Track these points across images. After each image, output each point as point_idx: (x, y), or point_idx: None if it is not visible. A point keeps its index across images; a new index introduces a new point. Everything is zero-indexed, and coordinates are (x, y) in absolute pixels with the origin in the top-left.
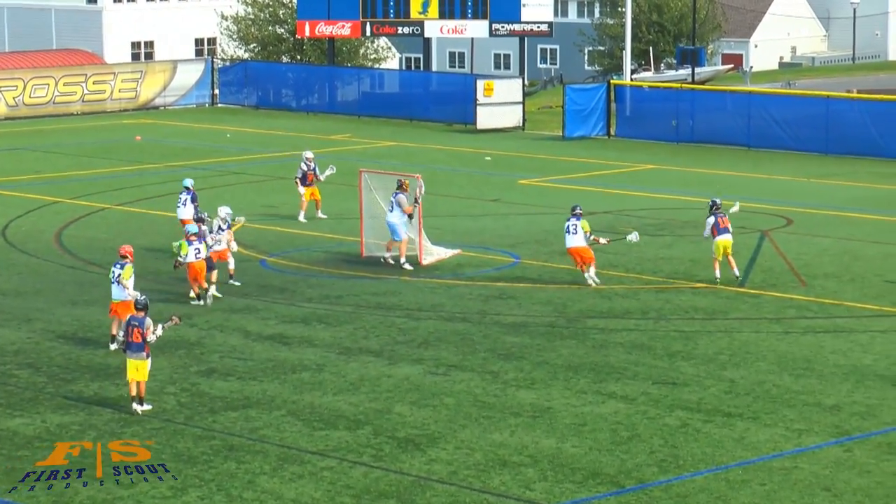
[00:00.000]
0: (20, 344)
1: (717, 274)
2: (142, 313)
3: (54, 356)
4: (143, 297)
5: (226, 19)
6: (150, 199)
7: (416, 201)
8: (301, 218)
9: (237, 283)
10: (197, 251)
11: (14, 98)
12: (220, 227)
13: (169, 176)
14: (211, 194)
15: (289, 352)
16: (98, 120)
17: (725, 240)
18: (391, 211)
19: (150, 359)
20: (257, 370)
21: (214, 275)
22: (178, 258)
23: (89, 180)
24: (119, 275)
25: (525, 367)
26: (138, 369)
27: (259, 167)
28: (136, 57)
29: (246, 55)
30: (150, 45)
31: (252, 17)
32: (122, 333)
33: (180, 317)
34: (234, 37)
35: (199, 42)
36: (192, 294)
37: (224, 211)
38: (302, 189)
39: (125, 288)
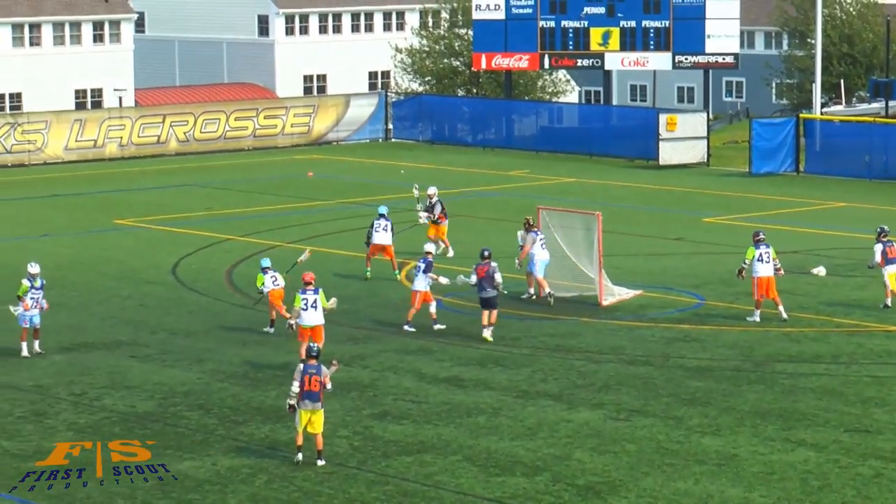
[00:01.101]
0: (190, 385)
1: (888, 301)
2: (315, 360)
3: (225, 398)
4: (317, 344)
5: (400, 52)
6: (321, 237)
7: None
8: (450, 253)
9: (440, 327)
10: (274, 279)
11: (185, 133)
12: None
13: (340, 213)
14: None
15: (464, 395)
16: (269, 155)
17: (892, 272)
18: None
19: (323, 409)
20: (432, 413)
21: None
22: (260, 289)
23: (260, 217)
24: (316, 300)
25: (710, 413)
26: (313, 421)
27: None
28: (308, 91)
29: (420, 88)
30: (322, 78)
31: (427, 49)
32: (296, 384)
33: (339, 360)
34: (409, 70)
35: (372, 75)
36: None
37: (429, 246)
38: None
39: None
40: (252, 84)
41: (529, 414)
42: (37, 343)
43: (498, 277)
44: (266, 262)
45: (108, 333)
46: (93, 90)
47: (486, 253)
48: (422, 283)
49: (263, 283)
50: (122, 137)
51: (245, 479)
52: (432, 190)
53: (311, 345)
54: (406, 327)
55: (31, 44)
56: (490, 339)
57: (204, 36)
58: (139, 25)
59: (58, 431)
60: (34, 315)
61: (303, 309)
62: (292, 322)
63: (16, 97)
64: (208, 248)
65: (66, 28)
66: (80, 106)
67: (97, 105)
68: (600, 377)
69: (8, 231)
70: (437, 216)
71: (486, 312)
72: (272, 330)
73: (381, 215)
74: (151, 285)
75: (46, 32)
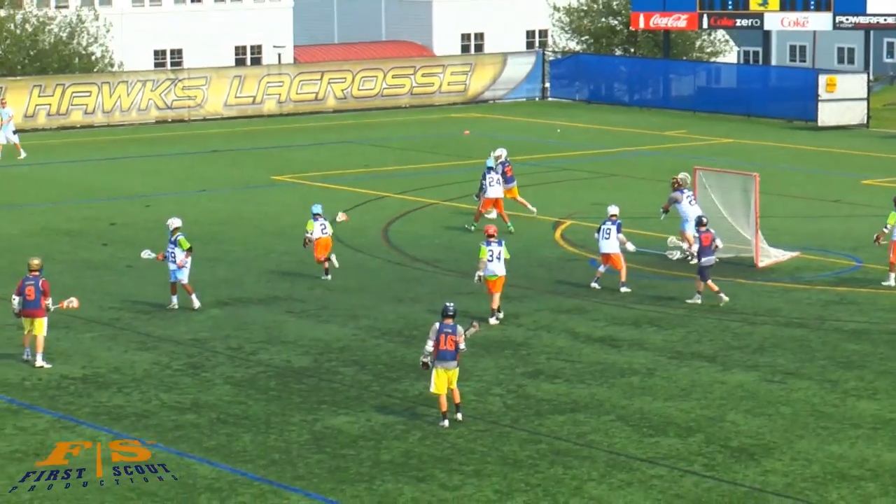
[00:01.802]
0: (346, 341)
1: None
2: (451, 320)
3: (379, 354)
4: (453, 304)
5: (558, 10)
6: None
7: None
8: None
9: (627, 290)
10: (323, 227)
11: (343, 90)
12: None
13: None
14: (541, 190)
15: (618, 355)
16: (426, 113)
17: None
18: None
19: (458, 368)
20: (585, 373)
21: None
22: (307, 235)
23: (416, 175)
24: (500, 252)
25: (866, 377)
26: (451, 380)
27: (589, 164)
28: (465, 49)
29: (578, 48)
30: (479, 36)
31: (585, 8)
32: (430, 343)
33: (479, 322)
34: (566, 29)
35: (530, 34)
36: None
37: (611, 209)
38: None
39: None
40: (410, 42)
41: (683, 375)
42: (193, 297)
43: (718, 243)
44: (317, 209)
45: (265, 288)
46: (252, 47)
47: (704, 220)
48: (614, 245)
49: (313, 230)
50: (280, 94)
51: (399, 435)
52: (500, 151)
53: (447, 305)
54: (594, 284)
55: (193, 0)
56: (720, 304)
57: None
58: None
59: (214, 385)
60: (174, 270)
61: (489, 260)
62: (480, 274)
63: (176, 53)
64: (364, 205)
65: None
66: (239, 62)
67: (256, 62)
68: (755, 339)
69: (168, 186)
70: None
71: (705, 283)
72: (329, 277)
73: (491, 168)
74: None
75: None
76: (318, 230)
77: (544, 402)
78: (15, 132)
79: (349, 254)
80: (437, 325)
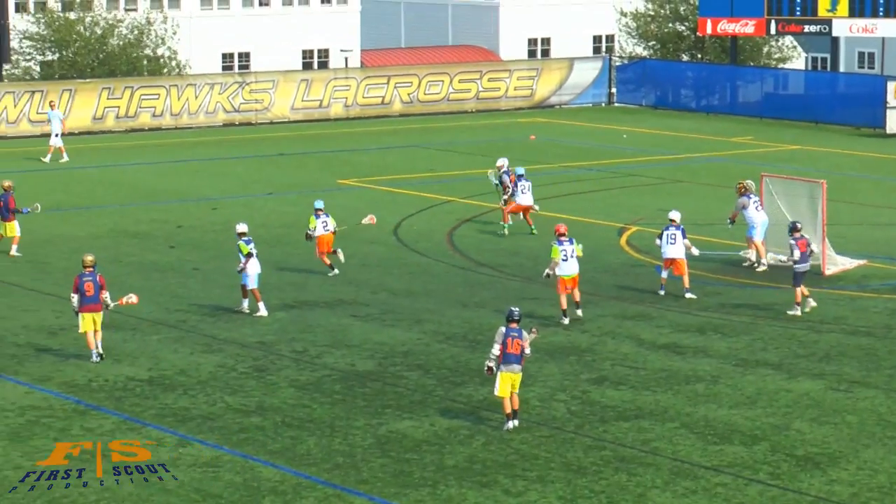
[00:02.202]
0: (410, 345)
1: None
2: (517, 324)
3: (444, 358)
4: (518, 308)
5: (625, 16)
6: (542, 200)
7: None
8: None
9: (691, 296)
10: (325, 223)
11: (409, 94)
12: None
13: (562, 176)
14: (606, 196)
15: (683, 362)
16: (492, 118)
17: None
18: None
19: (522, 373)
20: (650, 380)
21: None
22: (308, 231)
23: (482, 180)
24: (573, 250)
25: None
26: (514, 384)
27: (655, 170)
28: (531, 54)
29: (644, 53)
30: (546, 41)
31: (652, 13)
32: (497, 347)
33: (538, 328)
34: (633, 34)
35: (596, 39)
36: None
37: (673, 215)
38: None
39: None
40: (476, 46)
41: (749, 382)
42: (260, 305)
43: (814, 247)
44: (319, 204)
45: (330, 292)
46: (319, 51)
47: (798, 225)
48: (680, 250)
49: (315, 226)
50: (347, 98)
51: (463, 440)
52: (501, 161)
53: (513, 309)
54: (661, 291)
55: (260, 4)
56: (806, 309)
57: None
58: None
59: (280, 387)
60: (242, 274)
61: (563, 259)
62: (549, 272)
63: (244, 57)
64: (430, 210)
65: None
66: (306, 66)
67: (323, 65)
68: (821, 347)
69: (235, 189)
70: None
71: (800, 288)
72: (336, 272)
73: (521, 176)
74: (373, 245)
75: None
76: (321, 227)
77: (609, 408)
78: (57, 135)
79: (414, 258)
80: (503, 328)
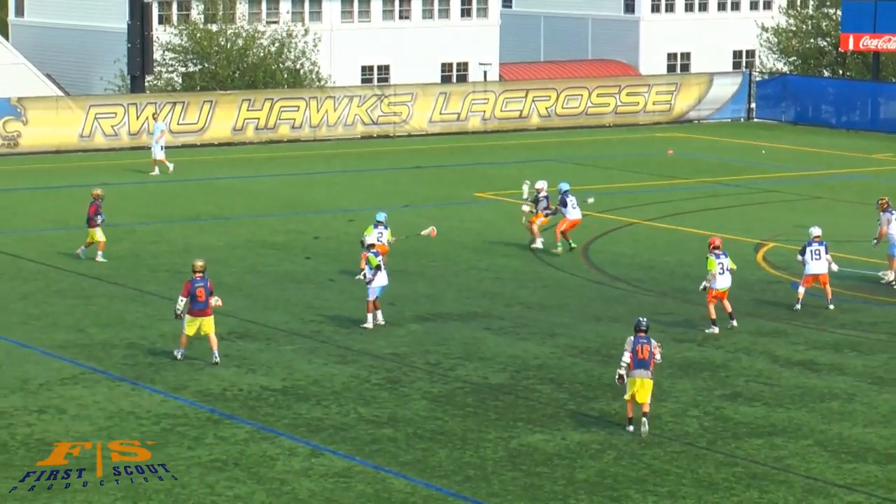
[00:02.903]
0: (543, 359)
1: None
2: (644, 334)
3: (577, 372)
4: (645, 319)
5: (766, 31)
6: (679, 215)
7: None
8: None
9: (831, 307)
10: (380, 234)
11: (547, 108)
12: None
13: (701, 191)
14: (744, 212)
15: (818, 379)
16: (630, 133)
17: None
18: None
19: (653, 379)
20: (784, 397)
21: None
22: (363, 239)
23: (619, 194)
24: (727, 263)
25: None
26: (643, 389)
27: (794, 186)
28: (671, 69)
29: (785, 68)
30: (686, 56)
31: (794, 28)
32: (627, 355)
33: (660, 345)
34: (774, 49)
35: (736, 54)
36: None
37: (815, 231)
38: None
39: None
40: (615, 61)
41: (885, 401)
42: (379, 314)
43: None
44: (381, 217)
45: (464, 305)
46: (458, 64)
47: None
48: (824, 266)
49: (370, 235)
50: (485, 111)
51: (594, 454)
52: (541, 184)
53: (640, 319)
54: (797, 307)
55: (401, 17)
56: None
57: (570, 12)
58: (506, 0)
59: (412, 399)
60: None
61: (719, 273)
62: (706, 284)
63: (384, 69)
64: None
65: (435, 2)
66: (445, 79)
67: (462, 78)
68: None
69: (372, 201)
70: (538, 210)
71: None
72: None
73: (567, 191)
74: (508, 258)
75: (416, 6)
76: (375, 237)
77: (742, 424)
78: (163, 148)
79: (549, 272)
80: (630, 338)
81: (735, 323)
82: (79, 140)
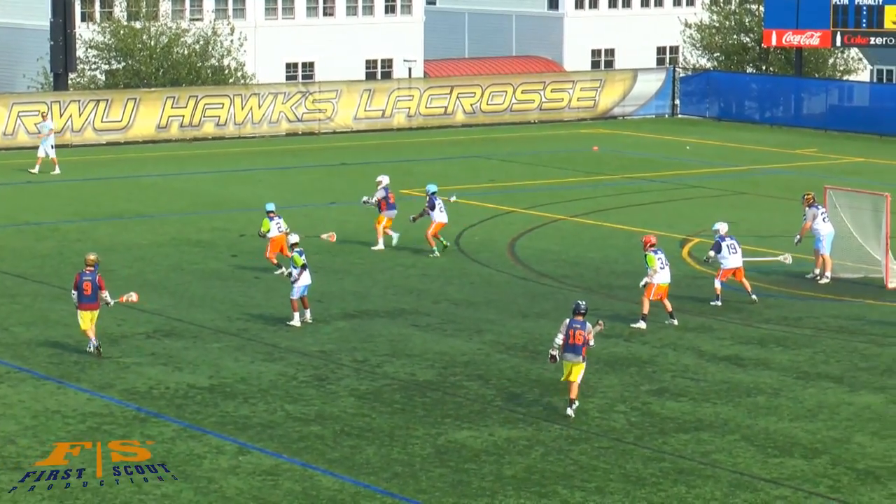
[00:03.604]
0: (471, 355)
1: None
2: (582, 317)
3: (504, 369)
4: (584, 301)
5: (689, 27)
6: (604, 211)
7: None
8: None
9: (754, 297)
10: (279, 225)
11: (472, 105)
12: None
13: (626, 188)
14: (668, 207)
15: (744, 374)
16: (555, 129)
17: None
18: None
19: (585, 362)
20: (710, 392)
21: None
22: (261, 233)
23: (544, 190)
24: (666, 259)
25: None
26: (573, 372)
27: (719, 181)
28: (595, 65)
29: (709, 65)
30: (610, 52)
31: (717, 24)
32: (560, 337)
33: (602, 322)
34: (698, 45)
35: (660, 50)
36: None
37: (723, 227)
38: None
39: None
40: (540, 57)
41: (810, 395)
42: (307, 312)
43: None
44: (271, 207)
45: (391, 301)
46: (383, 61)
47: None
48: (739, 260)
49: (269, 229)
50: (409, 108)
51: (521, 450)
52: (382, 177)
53: (579, 302)
54: (716, 302)
55: (325, 14)
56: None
57: (493, 8)
58: None
59: (340, 396)
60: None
61: (660, 268)
62: (648, 280)
63: (308, 66)
64: (491, 220)
65: None
66: (369, 76)
67: (387, 76)
68: (884, 360)
69: (297, 198)
70: (374, 202)
71: None
72: (284, 272)
73: (435, 193)
74: (434, 255)
75: (340, 3)
76: (275, 229)
77: (669, 420)
78: (53, 146)
79: (475, 268)
80: (567, 320)
81: (675, 321)
82: (2, 138)
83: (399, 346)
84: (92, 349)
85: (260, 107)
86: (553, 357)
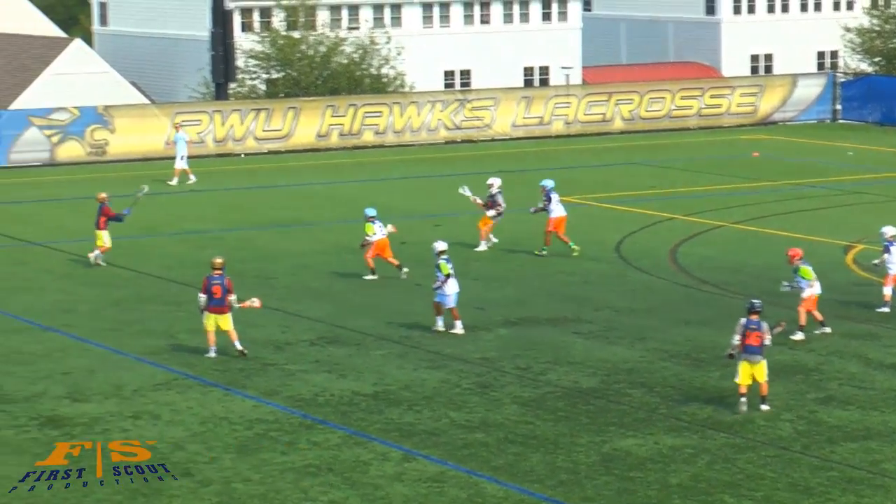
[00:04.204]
0: (633, 363)
1: None
2: (757, 316)
3: (667, 376)
4: (759, 300)
5: (849, 31)
6: (765, 218)
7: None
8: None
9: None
10: (381, 228)
11: (630, 111)
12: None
13: (787, 194)
14: (832, 213)
15: None
16: (714, 135)
17: None
18: None
19: (765, 360)
20: (878, 400)
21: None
22: (367, 238)
23: (704, 196)
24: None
25: None
26: (756, 373)
27: (881, 187)
28: (753, 70)
29: (870, 69)
30: (768, 57)
31: (877, 28)
32: (737, 338)
33: (785, 322)
34: (858, 50)
35: (820, 55)
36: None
37: (891, 231)
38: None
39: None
40: (697, 63)
41: None
42: (457, 323)
43: None
44: (373, 212)
45: (553, 309)
46: (540, 68)
47: None
48: None
49: (374, 233)
50: (567, 115)
51: (687, 458)
52: (491, 180)
53: (753, 301)
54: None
55: (482, 22)
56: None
57: (650, 14)
58: (586, 4)
59: (503, 404)
60: (438, 292)
61: (816, 280)
62: (793, 287)
63: (465, 74)
64: (652, 227)
65: (516, 6)
66: (527, 83)
67: (544, 83)
68: None
69: (457, 206)
70: (482, 204)
71: None
72: (375, 277)
73: (553, 189)
74: (595, 262)
75: (496, 11)
76: (379, 231)
77: (836, 428)
78: (184, 157)
79: (636, 275)
80: (743, 320)
81: (828, 329)
82: (165, 147)
83: (561, 354)
84: (212, 354)
85: (418, 115)
86: (730, 355)
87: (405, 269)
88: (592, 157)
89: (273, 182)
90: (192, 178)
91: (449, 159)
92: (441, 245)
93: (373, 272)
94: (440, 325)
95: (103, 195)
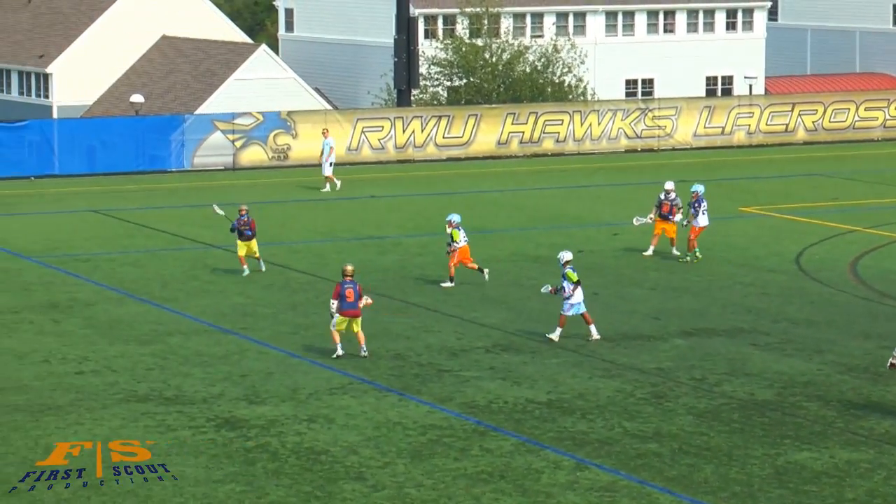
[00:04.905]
0: (810, 375)
1: None
2: None
3: (844, 390)
4: None
5: None
6: None
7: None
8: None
9: None
10: (464, 237)
11: (814, 122)
12: None
13: None
14: None
15: None
16: None
17: None
18: None
19: None
20: None
21: None
22: (454, 245)
23: (887, 209)
24: None
25: None
26: None
27: None
28: None
29: None
30: None
31: None
32: None
33: None
34: None
35: None
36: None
37: None
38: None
39: None
40: (884, 74)
41: None
42: (592, 328)
43: None
44: (458, 218)
45: (729, 320)
46: (723, 77)
47: None
48: None
49: (459, 239)
50: (750, 125)
51: (863, 473)
52: (669, 185)
53: None
54: None
55: (665, 31)
56: None
57: (837, 24)
58: (772, 13)
59: (677, 414)
60: (567, 301)
61: None
62: None
63: (648, 83)
64: (833, 239)
65: (700, 15)
66: (709, 93)
67: (727, 92)
68: None
69: (636, 215)
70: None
71: None
72: (452, 285)
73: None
74: (773, 273)
75: (680, 20)
76: (462, 238)
77: None
78: (331, 164)
79: (815, 287)
80: None
81: None
82: (346, 153)
83: (737, 365)
84: (340, 352)
85: (599, 123)
86: (892, 365)
87: (486, 271)
88: (774, 168)
89: (452, 189)
90: (328, 187)
91: (629, 168)
92: (567, 255)
93: (451, 279)
94: (557, 334)
95: (245, 207)
